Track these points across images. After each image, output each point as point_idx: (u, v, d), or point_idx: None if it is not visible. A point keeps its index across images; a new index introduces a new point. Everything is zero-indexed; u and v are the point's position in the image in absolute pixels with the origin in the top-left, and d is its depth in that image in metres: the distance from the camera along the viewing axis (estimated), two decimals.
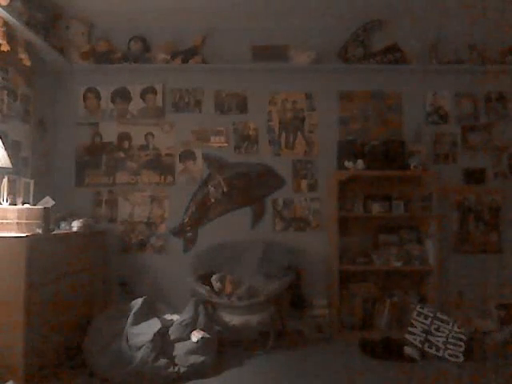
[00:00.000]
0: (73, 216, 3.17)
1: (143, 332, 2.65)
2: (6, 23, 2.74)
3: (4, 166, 2.47)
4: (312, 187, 3.68)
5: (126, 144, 3.70)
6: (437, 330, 2.98)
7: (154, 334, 2.61)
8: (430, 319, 3.03)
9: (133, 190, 3.67)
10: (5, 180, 2.66)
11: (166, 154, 3.70)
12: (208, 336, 2.75)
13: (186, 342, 2.71)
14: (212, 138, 3.70)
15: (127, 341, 2.64)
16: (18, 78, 3.06)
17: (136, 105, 3.70)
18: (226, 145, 3.70)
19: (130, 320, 2.75)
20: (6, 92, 2.90)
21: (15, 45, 2.91)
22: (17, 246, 2.26)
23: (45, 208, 2.58)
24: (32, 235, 2.38)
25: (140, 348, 2.55)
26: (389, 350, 2.91)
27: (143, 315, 2.83)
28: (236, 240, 3.55)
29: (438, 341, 2.92)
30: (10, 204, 2.63)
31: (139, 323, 2.75)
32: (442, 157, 3.69)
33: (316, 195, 3.67)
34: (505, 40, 3.67)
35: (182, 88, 3.71)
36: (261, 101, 3.71)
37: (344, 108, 3.72)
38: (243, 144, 3.71)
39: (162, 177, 3.68)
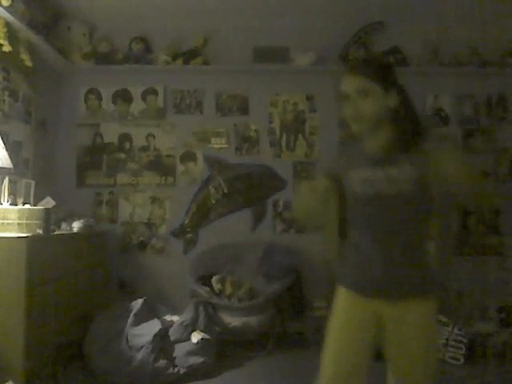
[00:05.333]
0: (73, 216, 3.17)
1: (143, 333, 2.66)
2: (7, 24, 2.74)
3: (5, 166, 2.47)
4: None
5: (126, 145, 3.70)
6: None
7: (154, 335, 2.61)
8: None
9: (133, 191, 3.67)
10: (6, 180, 2.66)
11: (167, 155, 3.69)
12: (208, 337, 2.75)
13: (185, 343, 2.71)
14: (213, 140, 3.70)
15: (127, 341, 2.64)
16: (20, 78, 3.06)
17: (137, 106, 3.70)
18: (226, 146, 3.70)
19: (130, 321, 2.75)
20: (7, 93, 2.90)
21: (17, 45, 2.90)
22: (17, 247, 2.26)
23: (45, 208, 2.58)
24: (33, 236, 2.38)
25: (140, 349, 2.55)
26: None
27: (143, 316, 2.83)
28: (236, 241, 3.55)
29: None
30: (10, 204, 2.63)
31: (139, 324, 2.75)
32: None
33: None
34: (505, 42, 3.67)
35: (183, 89, 3.71)
36: (262, 102, 3.71)
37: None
38: (244, 145, 3.70)
39: (163, 178, 3.68)
